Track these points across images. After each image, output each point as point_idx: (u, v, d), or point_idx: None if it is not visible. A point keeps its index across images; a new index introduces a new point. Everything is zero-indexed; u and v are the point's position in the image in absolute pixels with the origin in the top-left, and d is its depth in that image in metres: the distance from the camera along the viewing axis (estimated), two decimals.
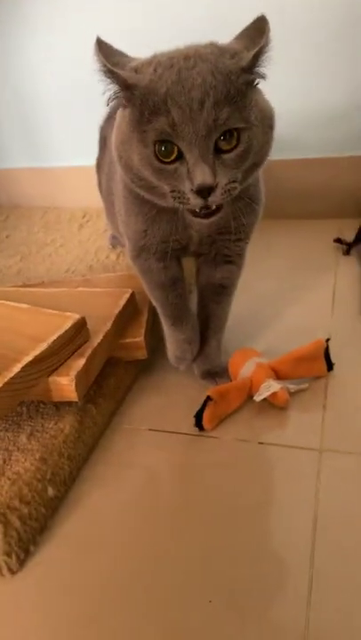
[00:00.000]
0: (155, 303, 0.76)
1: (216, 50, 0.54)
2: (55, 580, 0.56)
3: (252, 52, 0.52)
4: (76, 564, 0.57)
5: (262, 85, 0.56)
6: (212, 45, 0.55)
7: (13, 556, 0.56)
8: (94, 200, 1.06)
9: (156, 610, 0.52)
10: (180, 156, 0.53)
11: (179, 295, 0.73)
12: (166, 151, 0.53)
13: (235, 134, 0.53)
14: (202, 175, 0.51)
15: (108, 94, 0.56)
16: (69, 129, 1.36)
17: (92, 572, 0.56)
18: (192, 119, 0.51)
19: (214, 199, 0.54)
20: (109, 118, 0.87)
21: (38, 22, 1.26)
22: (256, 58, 0.53)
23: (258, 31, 0.54)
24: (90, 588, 0.55)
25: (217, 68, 0.51)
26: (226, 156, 0.53)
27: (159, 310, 0.75)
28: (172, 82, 0.51)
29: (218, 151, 0.53)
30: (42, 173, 1.46)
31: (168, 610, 0.52)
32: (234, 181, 0.55)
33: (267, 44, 0.53)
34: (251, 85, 0.54)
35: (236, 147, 0.53)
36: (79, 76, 1.17)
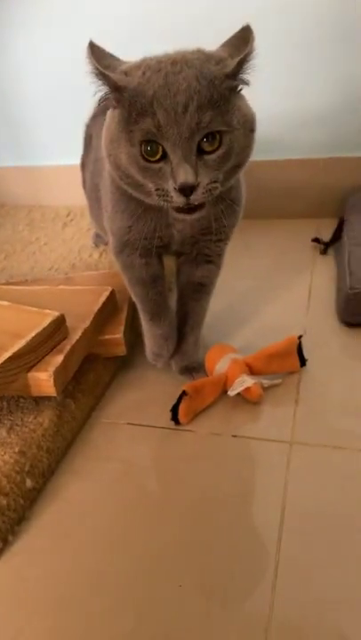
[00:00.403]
0: (135, 298, 0.77)
1: (202, 56, 0.56)
2: (33, 568, 0.57)
3: (236, 60, 0.55)
4: (54, 553, 0.58)
5: (250, 87, 0.58)
6: (199, 52, 0.57)
7: None
8: (79, 199, 1.07)
9: (130, 595, 0.53)
10: (165, 156, 0.55)
11: (158, 292, 0.74)
12: (152, 151, 0.55)
13: (217, 137, 0.55)
14: (184, 174, 0.54)
15: (98, 95, 0.58)
16: (55, 128, 1.36)
17: (68, 561, 0.57)
18: (176, 121, 0.53)
19: (196, 197, 0.56)
20: (95, 117, 0.89)
21: (24, 21, 1.26)
22: (240, 65, 0.55)
23: (243, 40, 0.57)
24: (66, 576, 0.56)
25: (202, 74, 0.54)
26: (208, 157, 0.55)
27: (138, 306, 0.77)
28: (158, 85, 0.53)
29: (201, 152, 0.55)
30: (27, 172, 1.46)
31: (141, 594, 0.53)
32: (215, 181, 0.57)
33: (250, 52, 0.55)
34: (234, 91, 0.57)
35: (217, 148, 0.55)
36: (65, 75, 1.18)
